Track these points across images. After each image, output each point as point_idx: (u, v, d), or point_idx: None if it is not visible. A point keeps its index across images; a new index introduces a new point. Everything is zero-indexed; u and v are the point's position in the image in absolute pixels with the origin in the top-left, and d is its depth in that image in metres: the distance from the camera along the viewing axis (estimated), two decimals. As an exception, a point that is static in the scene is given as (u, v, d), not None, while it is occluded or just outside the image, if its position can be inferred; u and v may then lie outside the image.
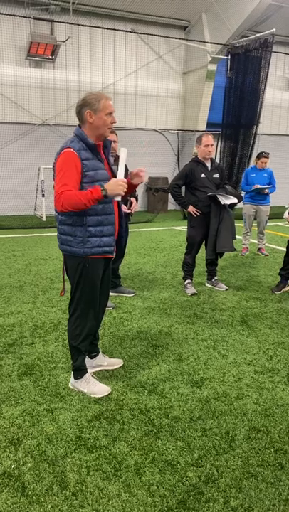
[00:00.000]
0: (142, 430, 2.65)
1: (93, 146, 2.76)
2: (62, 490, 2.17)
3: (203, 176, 5.16)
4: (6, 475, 2.26)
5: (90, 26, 11.13)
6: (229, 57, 11.54)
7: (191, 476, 2.28)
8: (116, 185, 2.63)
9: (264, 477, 2.28)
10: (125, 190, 2.68)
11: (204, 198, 5.14)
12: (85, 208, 2.63)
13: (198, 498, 2.13)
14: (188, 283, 5.46)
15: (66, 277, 3.05)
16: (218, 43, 11.60)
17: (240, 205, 7.85)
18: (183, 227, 9.93)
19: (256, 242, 7.77)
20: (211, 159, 5.29)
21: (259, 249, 7.63)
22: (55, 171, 2.74)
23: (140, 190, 13.10)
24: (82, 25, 11.04)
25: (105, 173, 2.79)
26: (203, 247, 5.46)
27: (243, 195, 7.59)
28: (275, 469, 2.34)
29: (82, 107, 2.74)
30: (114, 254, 3.04)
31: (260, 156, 7.27)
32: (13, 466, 2.32)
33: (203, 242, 5.41)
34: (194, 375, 3.35)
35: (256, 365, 3.54)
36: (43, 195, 11.12)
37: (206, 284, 5.70)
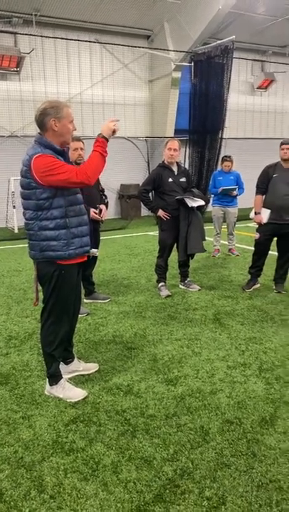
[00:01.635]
0: (118, 430, 2.69)
1: (61, 151, 2.86)
2: (40, 493, 2.19)
3: (170, 180, 5.26)
4: (-17, 483, 2.26)
5: (53, 38, 11.21)
6: (192, 64, 11.77)
7: (167, 470, 2.33)
8: (108, 127, 2.88)
9: (237, 466, 2.35)
10: (116, 127, 2.92)
11: (173, 202, 5.24)
12: (105, 159, 2.86)
13: (174, 490, 2.18)
14: (162, 285, 5.54)
15: (39, 287, 3.07)
16: (180, 51, 11.81)
17: (209, 208, 8.03)
18: (156, 233, 10.00)
19: (227, 243, 7.92)
20: (178, 164, 5.40)
21: (230, 249, 7.79)
22: (32, 175, 2.73)
23: (113, 198, 13.17)
24: (46, 37, 11.10)
25: None
26: (175, 250, 5.55)
27: (211, 197, 7.76)
28: (248, 458, 2.42)
29: (46, 116, 2.78)
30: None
31: (222, 159, 7.51)
32: (-10, 474, 2.33)
33: (175, 245, 5.52)
34: (169, 373, 3.41)
35: (229, 360, 3.63)
36: (14, 206, 11.05)
37: (180, 286, 5.78)
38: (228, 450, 2.48)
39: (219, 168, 7.83)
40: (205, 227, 5.51)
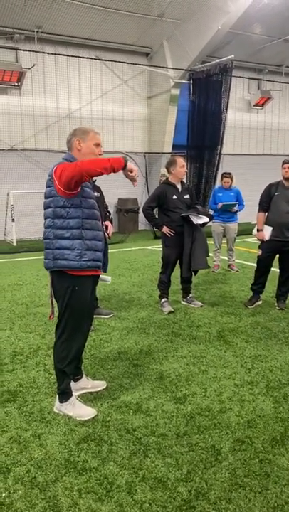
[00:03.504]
0: (130, 449, 2.69)
1: None
2: (56, 514, 2.18)
3: (174, 197, 5.32)
4: (-3, 504, 2.25)
5: (54, 54, 11.36)
6: (191, 81, 11.97)
7: (182, 491, 2.33)
8: (131, 167, 2.84)
9: (252, 487, 2.36)
10: (133, 176, 2.88)
11: (177, 219, 5.29)
12: (109, 167, 2.71)
13: (190, 512, 2.18)
14: (165, 301, 5.56)
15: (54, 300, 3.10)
16: (179, 69, 12.02)
17: (209, 223, 8.11)
18: (155, 247, 10.08)
19: (226, 258, 7.98)
20: (182, 181, 5.48)
21: (229, 265, 7.83)
22: (53, 182, 2.85)
23: (111, 212, 13.21)
24: (47, 53, 11.25)
25: (92, 193, 3.01)
26: (177, 265, 5.59)
27: (211, 213, 7.83)
28: (262, 478, 2.42)
29: (73, 136, 3.01)
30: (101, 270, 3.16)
31: (222, 176, 7.62)
32: (3, 495, 2.31)
33: (178, 261, 5.55)
34: (177, 391, 3.42)
35: (236, 378, 3.64)
36: (13, 220, 11.07)
37: (182, 302, 5.81)
38: (241, 470, 2.49)
39: (219, 184, 7.93)
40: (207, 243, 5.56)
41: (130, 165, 2.83)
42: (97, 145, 3.01)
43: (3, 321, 5.15)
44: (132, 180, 2.92)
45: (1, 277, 7.49)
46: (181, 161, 5.33)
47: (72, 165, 2.75)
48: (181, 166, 5.30)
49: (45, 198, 2.95)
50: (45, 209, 2.97)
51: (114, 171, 2.78)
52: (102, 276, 3.30)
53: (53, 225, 2.92)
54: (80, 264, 2.91)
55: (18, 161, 11.65)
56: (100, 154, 3.00)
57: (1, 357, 4.11)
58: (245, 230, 9.36)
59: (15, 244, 11.00)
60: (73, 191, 2.82)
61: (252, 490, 2.33)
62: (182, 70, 11.95)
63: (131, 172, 2.85)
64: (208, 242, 5.52)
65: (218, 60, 11.22)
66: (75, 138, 2.99)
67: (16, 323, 5.07)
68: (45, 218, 2.98)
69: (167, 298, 5.61)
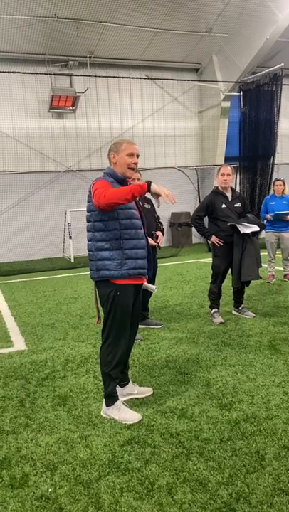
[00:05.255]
0: (172, 452, 2.71)
1: (123, 179, 3.11)
2: (98, 510, 2.25)
3: (223, 206, 5.30)
4: (43, 498, 2.36)
5: (106, 77, 11.84)
6: (241, 93, 11.95)
7: (222, 493, 2.32)
8: (160, 187, 2.95)
9: (295, 493, 2.29)
10: (167, 197, 2.94)
11: (226, 228, 5.25)
12: (130, 197, 2.84)
13: (230, 514, 2.17)
14: (215, 312, 5.52)
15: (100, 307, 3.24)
16: (229, 81, 12.06)
17: (262, 233, 7.96)
18: (208, 259, 10.02)
19: (282, 269, 7.78)
20: (232, 189, 5.45)
21: (285, 275, 7.63)
22: (91, 198, 3.00)
23: (164, 226, 13.35)
24: (100, 77, 11.74)
25: (133, 206, 3.12)
26: (229, 276, 5.52)
27: (264, 223, 7.68)
28: (307, 485, 2.35)
29: (110, 151, 3.17)
30: (147, 277, 3.25)
31: (274, 183, 7.49)
32: (49, 490, 2.42)
33: (229, 271, 5.49)
34: (223, 398, 3.39)
35: (285, 386, 3.55)
36: (70, 237, 11.52)
37: (233, 312, 5.74)
38: (285, 476, 2.43)
39: (271, 192, 7.80)
40: (261, 253, 5.45)
41: (154, 187, 2.93)
42: (131, 155, 3.08)
43: (58, 332, 5.37)
44: (165, 198, 2.98)
45: (58, 291, 7.81)
46: (224, 169, 5.29)
47: (101, 197, 2.85)
48: (222, 173, 5.28)
49: (87, 212, 3.13)
50: (87, 222, 3.15)
51: (139, 197, 2.94)
52: (146, 284, 3.38)
53: (93, 237, 3.09)
54: (121, 274, 3.04)
55: (75, 181, 12.15)
56: (134, 163, 3.09)
57: (54, 364, 4.30)
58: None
59: (72, 260, 11.41)
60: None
61: (295, 496, 2.27)
62: (232, 82, 11.99)
63: (158, 193, 2.95)
64: (263, 253, 5.38)
65: (267, 70, 11.13)
66: (110, 152, 3.14)
67: (69, 334, 5.27)
68: (87, 231, 3.16)
69: (218, 308, 5.56)
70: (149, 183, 2.92)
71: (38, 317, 6.12)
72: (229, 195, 5.37)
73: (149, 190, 2.93)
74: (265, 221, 7.58)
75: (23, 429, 3.10)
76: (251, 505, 2.22)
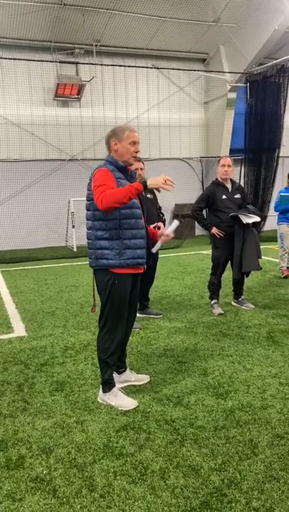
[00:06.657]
0: (167, 439, 2.74)
1: (124, 167, 3.10)
2: (91, 492, 2.28)
3: (224, 197, 5.30)
4: (38, 479, 2.40)
5: (112, 65, 11.76)
6: (248, 84, 11.86)
7: (214, 479, 2.35)
8: (157, 179, 2.93)
9: (286, 480, 2.32)
10: (166, 185, 2.94)
11: (227, 219, 5.25)
12: (127, 200, 2.86)
13: (221, 499, 2.20)
14: (215, 303, 5.54)
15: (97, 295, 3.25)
16: (236, 72, 11.96)
17: (274, 226, 7.87)
18: (210, 251, 10.01)
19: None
20: (232, 180, 5.44)
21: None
22: (91, 187, 2.99)
23: (167, 217, 13.33)
24: (106, 65, 11.67)
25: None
26: (229, 267, 5.54)
27: (276, 215, 7.58)
28: (298, 473, 2.38)
29: (110, 138, 3.11)
30: (145, 266, 3.28)
31: (288, 176, 7.45)
32: (44, 472, 2.46)
33: (229, 263, 5.51)
34: (219, 388, 3.42)
35: (281, 377, 3.57)
36: (74, 226, 11.53)
37: (233, 303, 5.76)
38: (277, 464, 2.46)
39: (286, 185, 7.71)
40: (261, 246, 5.44)
41: (151, 184, 2.92)
42: (134, 143, 3.06)
43: (58, 319, 5.41)
44: (165, 187, 2.98)
45: (60, 279, 7.84)
46: (224, 161, 5.28)
47: (98, 202, 2.85)
48: (222, 165, 5.27)
49: (87, 200, 3.10)
50: (86, 210, 3.13)
51: (135, 198, 2.96)
52: (157, 246, 3.43)
53: (93, 226, 3.09)
54: (119, 263, 3.05)
55: (79, 170, 12.13)
56: (136, 152, 3.08)
57: (53, 351, 4.34)
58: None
59: (75, 249, 11.44)
60: None
61: (286, 482, 2.30)
62: (239, 73, 11.89)
63: (156, 188, 3.00)
64: (265, 246, 5.38)
65: (275, 61, 11.03)
66: (111, 139, 3.09)
67: (69, 321, 5.31)
68: (87, 220, 3.15)
69: (217, 299, 5.59)
70: (144, 183, 2.89)
71: (39, 304, 6.16)
72: (229, 186, 5.37)
73: (145, 188, 2.92)
74: (278, 213, 7.49)
75: (20, 412, 3.14)
76: (242, 491, 2.25)
